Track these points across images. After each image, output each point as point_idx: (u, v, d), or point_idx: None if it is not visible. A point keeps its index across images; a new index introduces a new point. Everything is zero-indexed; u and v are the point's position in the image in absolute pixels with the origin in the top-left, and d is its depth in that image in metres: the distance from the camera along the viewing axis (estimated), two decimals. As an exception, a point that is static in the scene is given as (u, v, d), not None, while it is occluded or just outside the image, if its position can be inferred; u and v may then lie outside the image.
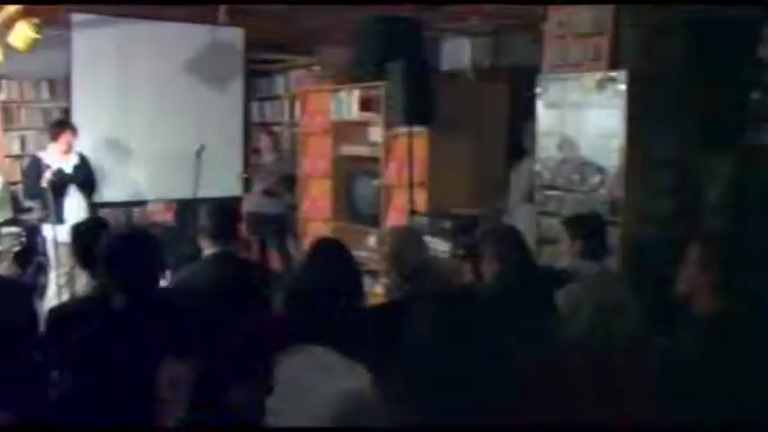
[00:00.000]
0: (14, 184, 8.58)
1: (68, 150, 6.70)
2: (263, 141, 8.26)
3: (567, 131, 5.48)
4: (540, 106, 5.69)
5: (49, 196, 6.36)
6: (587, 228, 4.08)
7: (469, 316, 2.38)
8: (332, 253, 3.20)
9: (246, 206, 7.92)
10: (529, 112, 6.00)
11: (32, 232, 7.89)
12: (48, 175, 6.43)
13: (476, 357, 2.22)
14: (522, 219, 5.89)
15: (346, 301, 2.90)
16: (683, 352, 2.51)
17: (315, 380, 2.20)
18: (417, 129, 6.20)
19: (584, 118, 5.37)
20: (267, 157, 8.16)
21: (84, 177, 6.80)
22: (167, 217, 7.78)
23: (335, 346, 2.43)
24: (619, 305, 2.31)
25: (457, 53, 8.53)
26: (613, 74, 5.15)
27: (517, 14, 7.48)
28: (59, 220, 6.35)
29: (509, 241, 3.72)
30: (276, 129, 9.61)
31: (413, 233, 3.31)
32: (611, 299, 2.30)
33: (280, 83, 9.82)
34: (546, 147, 5.64)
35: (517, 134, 6.74)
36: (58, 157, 6.63)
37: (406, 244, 3.24)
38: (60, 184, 6.41)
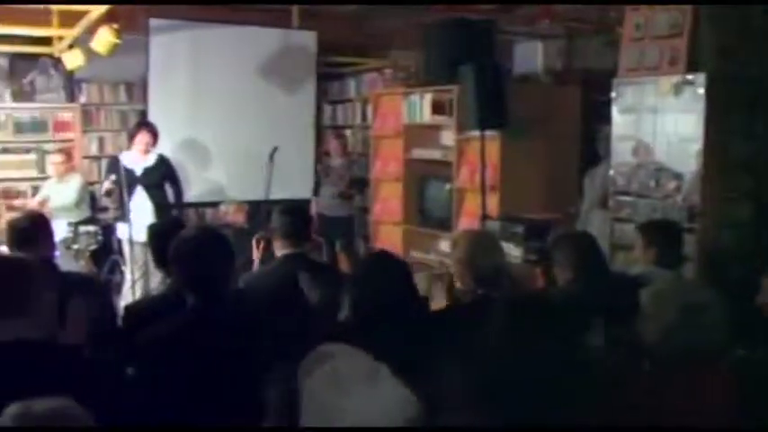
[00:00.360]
0: (93, 183, 8.83)
1: (146, 151, 6.81)
2: (333, 144, 8.30)
3: (643, 136, 5.38)
4: (614, 110, 5.59)
5: (124, 196, 6.46)
6: (663, 234, 3.99)
7: (543, 322, 2.36)
8: (386, 266, 3.16)
9: (316, 208, 7.97)
10: (603, 116, 5.92)
11: (108, 231, 8.09)
12: (107, 184, 6.57)
13: (548, 362, 2.20)
14: (595, 224, 5.81)
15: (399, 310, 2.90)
16: (764, 366, 2.43)
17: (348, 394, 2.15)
18: (490, 132, 6.16)
19: (661, 122, 5.26)
20: (336, 161, 8.19)
21: (162, 177, 6.91)
22: (239, 218, 7.88)
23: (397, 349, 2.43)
24: (705, 305, 2.23)
25: (529, 56, 8.48)
26: (691, 77, 5.04)
27: (589, 17, 7.39)
28: (128, 219, 6.44)
29: (582, 247, 3.66)
30: (347, 132, 9.66)
31: (488, 237, 3.29)
32: (697, 298, 2.24)
33: (351, 86, 9.87)
34: (621, 152, 5.55)
35: (591, 138, 6.65)
36: (136, 158, 6.75)
37: (480, 248, 3.21)
38: (128, 184, 6.50)
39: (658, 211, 5.15)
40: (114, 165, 6.71)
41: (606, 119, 5.75)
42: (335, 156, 8.18)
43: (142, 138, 6.78)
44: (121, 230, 6.88)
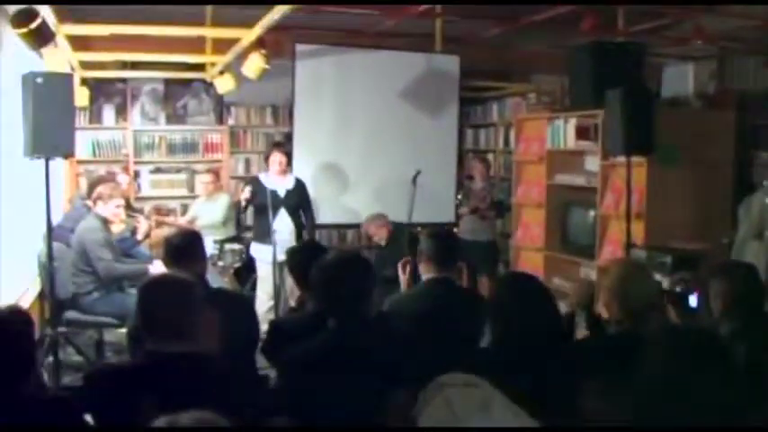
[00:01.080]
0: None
1: (283, 171, 6.90)
2: (477, 168, 8.27)
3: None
4: (773, 135, 5.32)
5: (269, 216, 6.59)
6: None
7: (702, 354, 2.25)
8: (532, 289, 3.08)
9: (461, 234, 7.97)
10: (760, 141, 5.64)
11: (250, 249, 8.33)
12: (246, 194, 6.76)
13: (706, 396, 2.10)
14: (750, 256, 5.52)
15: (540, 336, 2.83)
16: None
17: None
18: (636, 158, 5.97)
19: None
20: (478, 184, 8.17)
21: (300, 200, 6.99)
22: (381, 233, 7.90)
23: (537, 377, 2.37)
24: None
25: (679, 78, 8.17)
26: None
27: (744, 37, 7.09)
28: (272, 239, 6.55)
29: (739, 277, 3.48)
30: (489, 156, 9.63)
31: (640, 267, 3.17)
32: None
33: (494, 110, 9.83)
34: (780, 179, 5.27)
35: (746, 164, 6.35)
36: (275, 179, 6.85)
37: (632, 278, 3.10)
38: (273, 205, 6.62)
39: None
40: (253, 185, 6.87)
41: (764, 143, 5.48)
42: (478, 179, 8.16)
43: (276, 158, 6.86)
44: (255, 249, 7.03)
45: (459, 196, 8.27)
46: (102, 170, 9.29)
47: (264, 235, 6.68)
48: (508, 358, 2.79)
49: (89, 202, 6.25)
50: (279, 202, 6.76)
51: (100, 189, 5.94)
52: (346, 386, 2.68)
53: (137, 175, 9.57)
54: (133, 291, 5.60)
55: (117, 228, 6.38)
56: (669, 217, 6.33)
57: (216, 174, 9.17)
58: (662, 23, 7.63)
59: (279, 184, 6.84)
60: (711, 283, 3.49)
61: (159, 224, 8.57)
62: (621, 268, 3.19)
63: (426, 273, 3.75)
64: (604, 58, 6.78)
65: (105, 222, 5.90)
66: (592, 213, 6.92)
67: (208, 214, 8.60)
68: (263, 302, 6.72)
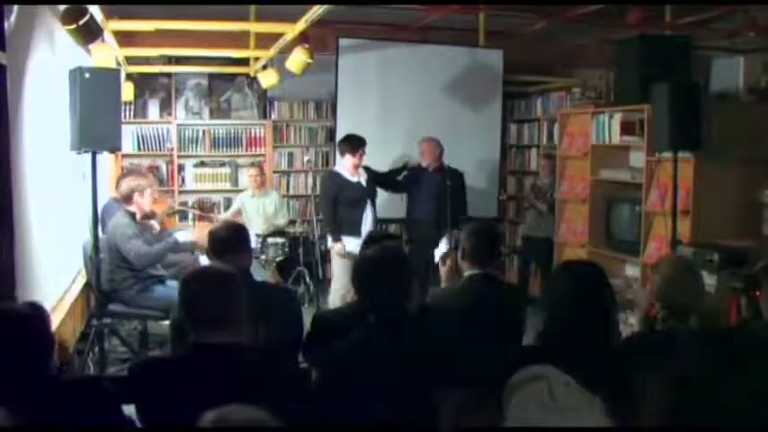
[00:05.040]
0: (283, 197, 9.28)
1: (357, 166, 6.97)
2: (542, 164, 8.47)
3: None
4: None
5: (356, 207, 6.79)
6: None
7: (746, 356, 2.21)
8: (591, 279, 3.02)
9: (522, 229, 8.07)
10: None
11: (295, 244, 8.35)
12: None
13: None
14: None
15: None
16: None
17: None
18: (683, 154, 5.88)
19: None
20: (543, 180, 8.22)
21: (373, 193, 7.13)
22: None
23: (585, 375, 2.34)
24: None
25: (729, 72, 8.02)
26: None
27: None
28: (356, 231, 6.72)
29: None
30: (532, 150, 9.59)
31: (688, 265, 3.10)
32: None
33: (537, 105, 9.74)
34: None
35: (797, 161, 6.20)
36: (353, 173, 6.95)
37: (678, 278, 3.05)
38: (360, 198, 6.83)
39: None
40: (337, 177, 6.96)
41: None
42: (543, 176, 8.22)
43: (361, 154, 6.92)
44: (346, 242, 6.85)
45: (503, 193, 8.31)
46: (146, 164, 9.42)
47: (355, 227, 6.78)
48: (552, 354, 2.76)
49: (117, 195, 6.24)
50: (365, 193, 6.92)
51: (131, 184, 5.87)
52: (385, 382, 2.68)
53: (180, 168, 9.66)
54: (174, 283, 5.64)
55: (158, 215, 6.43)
56: (716, 214, 6.22)
57: (261, 167, 9.22)
58: (711, 15, 7.48)
59: (358, 177, 6.96)
60: (765, 281, 3.40)
61: (201, 218, 8.65)
62: (668, 266, 3.14)
63: (468, 269, 3.73)
64: (651, 52, 6.68)
65: (133, 216, 5.85)
66: (636, 209, 6.83)
67: (254, 208, 8.65)
68: (342, 297, 6.56)
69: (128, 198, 5.84)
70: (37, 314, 2.48)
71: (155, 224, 6.33)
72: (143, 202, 5.86)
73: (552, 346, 2.85)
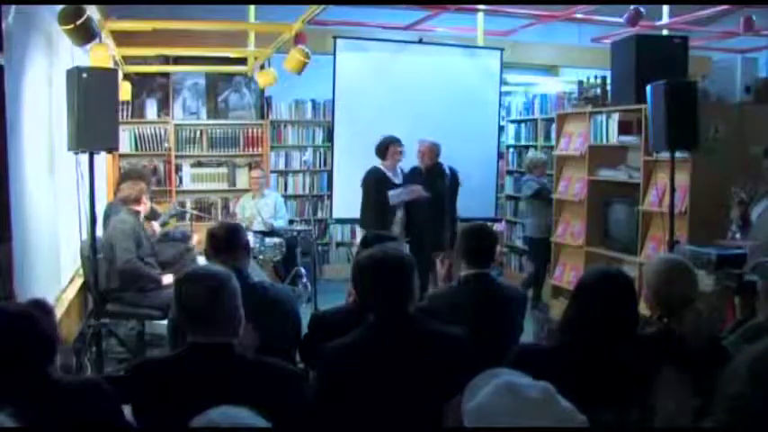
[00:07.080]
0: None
1: (395, 164, 7.15)
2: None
3: None
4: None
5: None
6: None
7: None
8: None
9: (528, 231, 8.33)
10: (809, 138, 5.51)
11: (293, 244, 8.35)
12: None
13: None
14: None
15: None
16: None
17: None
18: (680, 154, 5.88)
19: None
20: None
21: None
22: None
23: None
24: None
25: (727, 72, 8.02)
26: None
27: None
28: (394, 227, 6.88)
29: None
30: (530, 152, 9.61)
31: (682, 265, 3.09)
32: None
33: (535, 104, 9.73)
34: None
35: (795, 161, 6.20)
36: (392, 170, 7.13)
37: (671, 275, 3.04)
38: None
39: None
40: (374, 174, 7.10)
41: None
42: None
43: (399, 149, 7.14)
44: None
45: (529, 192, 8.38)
46: (143, 164, 9.42)
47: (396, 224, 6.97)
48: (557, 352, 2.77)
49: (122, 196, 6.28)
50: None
51: (128, 193, 5.98)
52: (383, 383, 2.68)
53: (178, 168, 9.66)
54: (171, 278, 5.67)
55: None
56: (714, 214, 6.22)
57: (262, 169, 9.25)
58: (708, 15, 7.49)
59: (393, 175, 7.12)
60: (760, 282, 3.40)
61: (198, 219, 8.65)
62: (661, 265, 3.13)
63: (464, 269, 3.73)
64: (647, 52, 6.68)
65: (137, 215, 5.92)
66: (634, 209, 6.84)
67: (256, 209, 8.63)
68: None
69: (136, 199, 5.92)
70: (41, 313, 2.46)
71: (155, 225, 6.34)
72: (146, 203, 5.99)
73: (553, 347, 2.86)
